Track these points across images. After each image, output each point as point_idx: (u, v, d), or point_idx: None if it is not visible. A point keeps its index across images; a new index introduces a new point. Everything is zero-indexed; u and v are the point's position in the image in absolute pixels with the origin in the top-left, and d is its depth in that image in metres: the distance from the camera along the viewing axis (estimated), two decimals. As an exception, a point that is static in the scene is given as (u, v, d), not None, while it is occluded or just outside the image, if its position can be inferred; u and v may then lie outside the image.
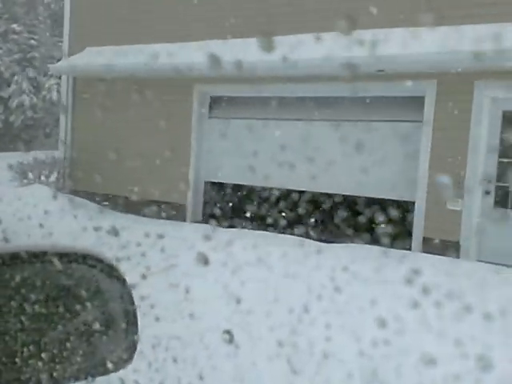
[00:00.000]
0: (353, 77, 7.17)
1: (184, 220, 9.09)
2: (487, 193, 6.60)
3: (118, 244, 4.06)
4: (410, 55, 6.56)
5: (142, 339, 0.91)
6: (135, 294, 0.91)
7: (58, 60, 12.58)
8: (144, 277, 3.71)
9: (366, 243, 6.39)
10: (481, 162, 6.56)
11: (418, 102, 7.11)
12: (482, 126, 6.55)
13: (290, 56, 7.31)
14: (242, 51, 7.99)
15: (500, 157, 6.56)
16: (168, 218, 8.77)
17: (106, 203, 9.62)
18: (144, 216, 8.43)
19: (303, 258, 4.97)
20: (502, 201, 6.57)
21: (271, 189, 8.38)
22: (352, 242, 6.44)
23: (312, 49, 7.36)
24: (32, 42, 25.86)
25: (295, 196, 7.81)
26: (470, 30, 6.30)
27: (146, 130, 9.49)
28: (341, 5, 7.39)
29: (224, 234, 5.97)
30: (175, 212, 8.97)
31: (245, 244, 5.21)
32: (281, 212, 7.72)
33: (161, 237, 5.73)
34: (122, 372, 0.87)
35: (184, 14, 9.23)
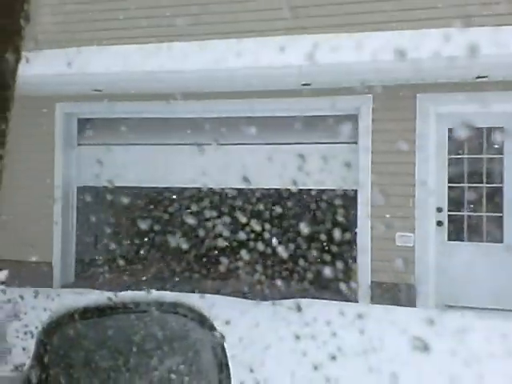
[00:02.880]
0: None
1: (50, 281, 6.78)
2: (439, 224, 5.67)
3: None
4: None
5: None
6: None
7: None
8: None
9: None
10: (430, 188, 5.62)
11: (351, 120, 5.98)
12: (429, 146, 5.63)
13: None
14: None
15: (450, 182, 5.69)
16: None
17: None
18: None
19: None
20: (456, 232, 5.69)
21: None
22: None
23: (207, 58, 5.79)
24: None
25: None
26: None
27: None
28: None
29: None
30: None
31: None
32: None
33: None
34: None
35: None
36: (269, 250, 5.98)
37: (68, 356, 0.77)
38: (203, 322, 0.84)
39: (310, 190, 6.02)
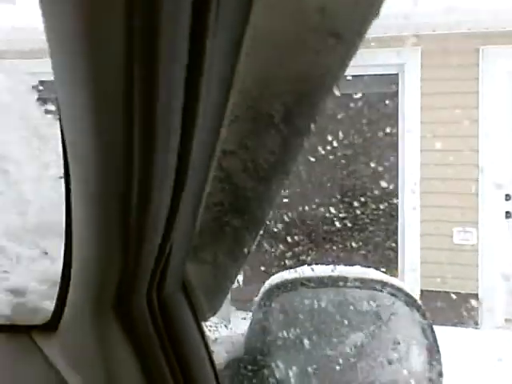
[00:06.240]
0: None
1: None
2: (508, 215, 4.40)
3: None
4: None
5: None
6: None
7: None
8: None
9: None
10: (498, 170, 4.33)
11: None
12: (497, 115, 4.32)
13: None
14: None
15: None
16: None
17: None
18: None
19: None
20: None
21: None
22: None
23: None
24: None
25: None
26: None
27: None
28: None
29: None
30: None
31: None
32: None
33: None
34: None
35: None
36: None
37: (284, 321, 0.80)
38: (411, 302, 0.81)
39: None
